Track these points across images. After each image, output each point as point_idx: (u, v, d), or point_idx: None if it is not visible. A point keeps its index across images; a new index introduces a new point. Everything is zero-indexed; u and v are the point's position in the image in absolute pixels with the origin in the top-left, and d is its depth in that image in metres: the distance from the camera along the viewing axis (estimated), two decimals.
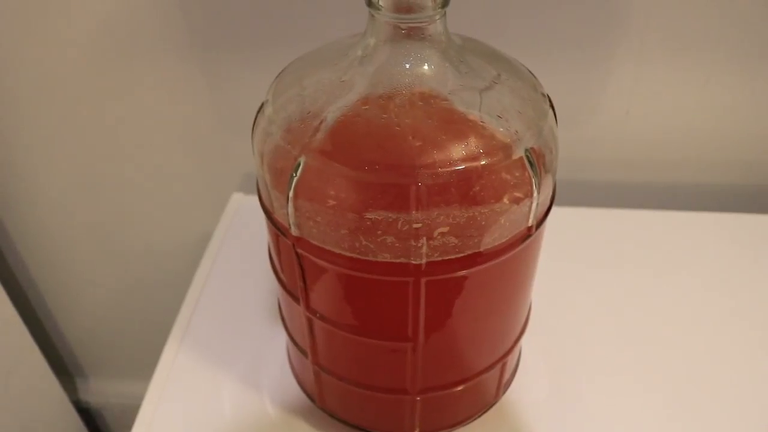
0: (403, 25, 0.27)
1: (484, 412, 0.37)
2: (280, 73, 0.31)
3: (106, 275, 0.69)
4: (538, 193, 0.28)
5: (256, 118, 0.31)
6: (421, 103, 0.27)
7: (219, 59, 0.51)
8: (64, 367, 0.80)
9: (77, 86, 0.54)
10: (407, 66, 0.27)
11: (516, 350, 0.36)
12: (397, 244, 0.27)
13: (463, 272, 0.28)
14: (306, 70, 0.30)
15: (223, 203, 0.54)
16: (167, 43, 0.50)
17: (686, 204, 0.56)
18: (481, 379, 0.34)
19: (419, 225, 0.26)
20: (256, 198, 0.51)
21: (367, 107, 0.27)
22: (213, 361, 0.41)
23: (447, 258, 0.27)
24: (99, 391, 0.82)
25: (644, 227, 0.51)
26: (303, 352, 0.35)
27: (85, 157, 0.59)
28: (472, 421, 0.36)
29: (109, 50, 0.51)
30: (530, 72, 0.30)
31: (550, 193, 0.30)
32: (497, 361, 0.34)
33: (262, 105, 0.30)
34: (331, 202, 0.26)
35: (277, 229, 0.30)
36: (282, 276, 0.33)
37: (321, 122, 0.27)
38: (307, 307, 0.31)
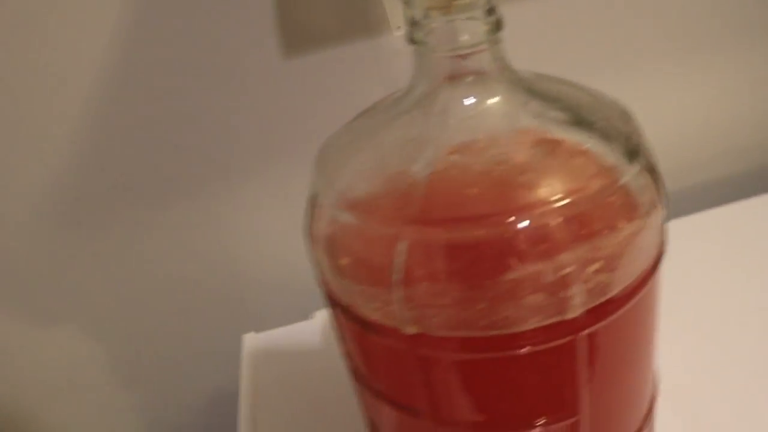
0: (457, 58, 0.23)
1: None
2: (319, 157, 0.27)
3: None
4: (663, 204, 0.24)
5: (311, 214, 0.26)
6: (512, 138, 0.23)
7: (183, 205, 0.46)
8: None
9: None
10: (476, 102, 0.24)
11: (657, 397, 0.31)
12: (547, 301, 0.22)
13: (620, 312, 0.23)
14: (355, 144, 0.26)
15: (234, 352, 0.48)
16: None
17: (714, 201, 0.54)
18: None
19: (570, 269, 0.21)
20: (272, 333, 0.45)
21: (455, 156, 0.23)
22: None
23: (603, 300, 0.23)
24: None
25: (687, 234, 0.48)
26: None
27: (67, 319, 0.51)
28: None
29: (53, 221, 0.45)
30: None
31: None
32: (649, 410, 0.29)
33: (314, 197, 0.26)
34: (458, 276, 0.22)
35: (374, 333, 0.24)
36: (385, 393, 0.27)
37: (407, 188, 0.23)
38: (436, 419, 0.25)
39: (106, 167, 0.44)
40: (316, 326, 0.47)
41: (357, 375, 0.29)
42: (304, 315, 0.48)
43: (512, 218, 0.21)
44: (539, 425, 0.25)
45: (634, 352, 0.26)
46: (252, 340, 0.47)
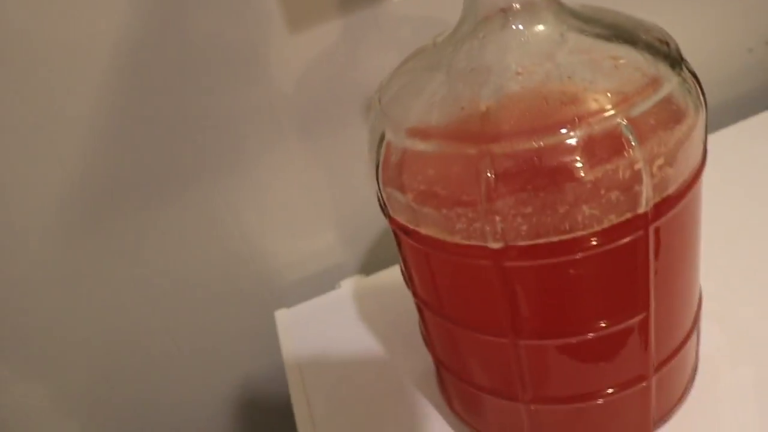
0: None
1: (696, 374, 0.34)
2: (378, 106, 0.28)
3: None
4: (706, 107, 0.27)
5: (379, 154, 0.27)
6: (571, 55, 0.25)
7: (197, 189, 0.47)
8: None
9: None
10: (530, 28, 0.25)
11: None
12: (622, 198, 0.24)
13: (681, 205, 0.26)
14: (415, 83, 0.27)
15: (267, 330, 0.49)
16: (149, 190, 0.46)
17: None
18: (695, 332, 0.31)
19: (640, 165, 0.23)
20: (303, 306, 0.46)
21: (521, 76, 0.25)
22: None
23: (666, 194, 0.25)
24: None
25: None
26: (508, 397, 0.30)
27: (95, 339, 0.51)
28: (691, 385, 0.33)
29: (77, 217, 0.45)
30: None
31: None
32: (699, 305, 0.32)
33: (383, 138, 0.27)
34: (542, 183, 0.23)
35: (458, 256, 0.26)
36: (468, 318, 0.29)
37: (484, 109, 0.24)
38: (518, 333, 0.27)
39: (119, 167, 0.44)
40: (345, 294, 0.48)
41: (431, 308, 0.30)
42: (331, 286, 0.50)
43: (585, 124, 0.23)
44: (616, 324, 0.27)
45: (689, 248, 0.28)
46: (284, 316, 0.48)
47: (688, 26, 0.53)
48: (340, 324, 0.46)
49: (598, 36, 0.26)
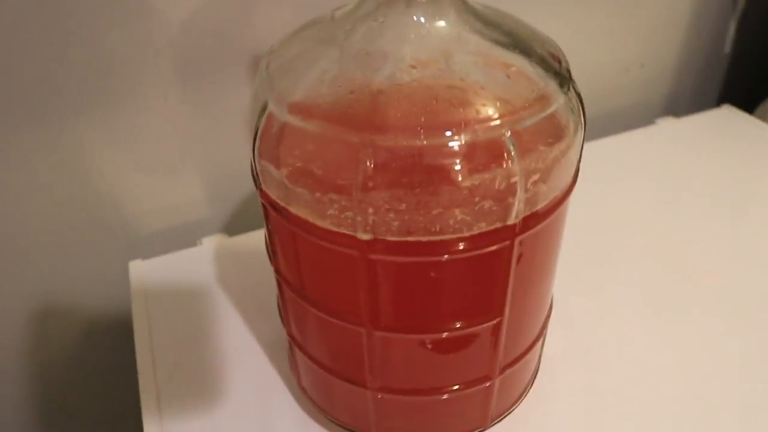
0: None
1: (536, 377, 0.35)
2: (265, 70, 0.26)
3: None
4: (584, 128, 0.27)
5: (258, 126, 0.26)
6: (469, 57, 0.25)
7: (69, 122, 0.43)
8: None
9: None
10: (431, 22, 0.25)
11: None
12: (495, 207, 0.24)
13: (547, 221, 0.26)
14: (308, 54, 0.26)
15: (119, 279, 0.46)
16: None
17: None
18: (540, 342, 0.33)
19: (516, 178, 0.24)
20: (160, 259, 0.44)
21: (416, 69, 0.24)
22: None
23: (535, 210, 0.25)
24: None
25: None
26: (357, 383, 0.30)
27: None
28: (530, 388, 0.35)
29: None
30: None
31: None
32: (547, 319, 0.33)
33: (264, 109, 0.26)
34: (418, 182, 0.23)
35: (327, 241, 0.25)
36: (327, 304, 0.28)
37: (372, 98, 0.23)
38: (375, 323, 0.27)
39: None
40: (205, 252, 0.46)
41: (291, 286, 0.29)
42: (192, 243, 0.48)
43: (470, 130, 0.23)
44: (471, 325, 0.28)
45: (549, 261, 0.29)
46: (139, 267, 0.45)
47: (572, 39, 0.55)
48: (197, 282, 0.44)
49: (496, 42, 0.26)
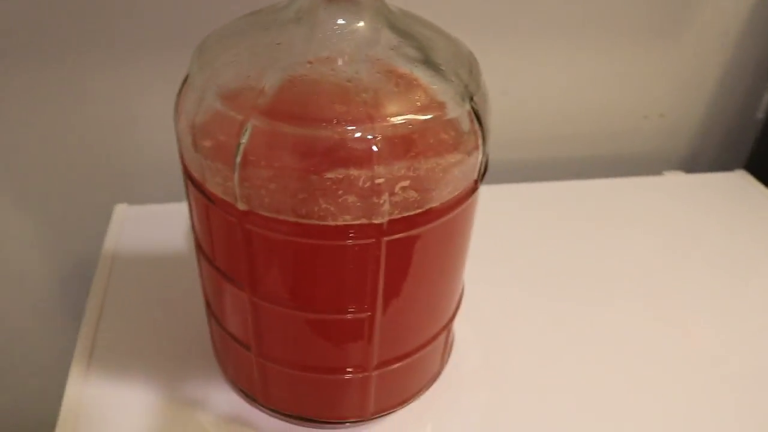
0: None
1: (432, 384, 0.37)
2: (200, 45, 0.29)
3: None
4: (484, 145, 0.29)
5: (181, 91, 0.29)
6: (365, 61, 0.27)
7: (74, 67, 0.47)
8: None
9: None
10: (343, 24, 0.27)
11: (457, 315, 0.36)
12: (359, 203, 0.26)
13: (421, 228, 0.28)
14: (233, 38, 0.29)
15: (105, 218, 0.50)
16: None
17: (563, 174, 0.59)
18: (432, 346, 0.34)
19: (381, 180, 0.25)
20: (144, 207, 0.47)
21: (311, 65, 0.26)
22: (129, 382, 0.37)
23: (407, 214, 0.27)
24: None
25: (526, 201, 0.54)
26: (244, 345, 0.32)
27: None
28: (423, 393, 0.36)
29: None
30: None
31: (488, 150, 0.31)
32: (445, 326, 0.34)
33: (187, 77, 0.28)
34: (287, 166, 0.25)
35: (215, 205, 0.28)
36: (217, 263, 0.31)
37: (265, 85, 0.26)
38: (253, 291, 0.29)
39: (7, 13, 0.44)
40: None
41: (199, 246, 0.32)
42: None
43: (342, 127, 0.25)
44: (340, 313, 0.29)
45: (436, 266, 0.30)
46: (122, 211, 0.49)
47: (593, 78, 0.55)
48: (173, 235, 0.47)
49: (401, 52, 0.27)
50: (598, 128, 0.58)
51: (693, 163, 0.62)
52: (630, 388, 0.39)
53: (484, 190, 0.52)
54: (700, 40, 0.55)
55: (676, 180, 0.57)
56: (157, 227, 0.48)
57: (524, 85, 0.55)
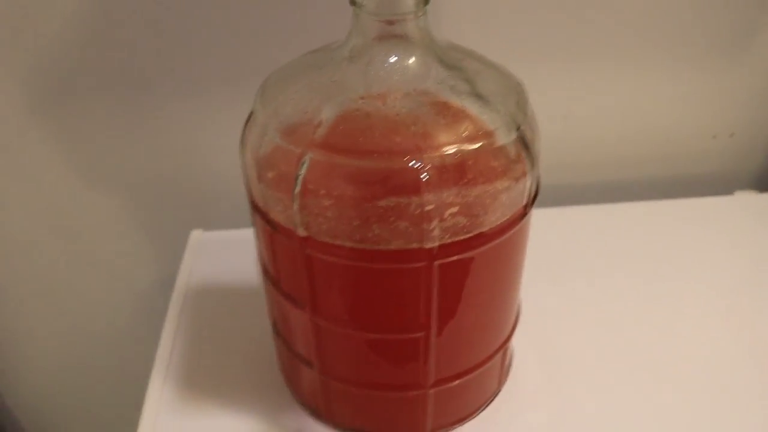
0: (386, 22, 0.28)
1: (490, 403, 0.37)
2: (263, 83, 0.31)
3: (52, 335, 0.65)
4: (532, 171, 0.30)
5: (245, 128, 0.31)
6: (415, 95, 0.28)
7: (155, 100, 0.51)
8: None
9: (12, 133, 0.52)
10: (394, 61, 0.29)
11: (513, 335, 0.36)
12: (410, 229, 0.27)
13: (471, 252, 0.29)
14: (292, 77, 0.31)
15: (180, 244, 0.53)
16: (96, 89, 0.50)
17: (629, 196, 0.59)
18: (488, 366, 0.35)
19: (431, 207, 0.27)
20: (218, 233, 0.50)
21: (364, 101, 0.28)
22: (202, 401, 0.40)
23: (457, 239, 0.28)
24: None
25: (596, 223, 0.54)
26: (307, 363, 0.34)
27: (22, 208, 0.56)
28: (481, 411, 0.37)
29: (42, 96, 0.50)
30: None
31: (538, 175, 0.32)
32: (501, 346, 0.35)
33: (251, 114, 0.31)
34: (342, 194, 0.27)
35: (278, 232, 0.30)
36: (281, 285, 0.33)
37: (321, 120, 0.28)
38: (315, 311, 0.31)
39: (88, 57, 0.48)
40: None
41: (265, 271, 0.34)
42: None
43: (393, 158, 0.26)
44: (396, 333, 0.31)
45: (489, 289, 0.31)
46: (198, 237, 0.52)
47: (663, 104, 0.55)
48: (248, 260, 0.50)
49: (451, 87, 0.29)
50: (665, 150, 0.58)
51: (765, 183, 0.60)
52: (700, 416, 0.38)
53: (550, 212, 0.54)
54: None
55: (747, 199, 0.56)
56: (230, 252, 0.51)
57: (588, 108, 0.55)
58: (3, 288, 0.61)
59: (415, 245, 0.28)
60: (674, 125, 0.57)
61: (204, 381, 0.41)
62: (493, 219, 0.29)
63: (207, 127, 0.53)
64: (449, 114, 0.28)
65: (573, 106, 0.54)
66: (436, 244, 0.28)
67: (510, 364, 0.39)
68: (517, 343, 0.40)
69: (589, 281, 0.48)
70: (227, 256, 0.51)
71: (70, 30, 0.47)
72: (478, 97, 0.29)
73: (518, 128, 0.29)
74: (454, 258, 0.28)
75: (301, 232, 0.28)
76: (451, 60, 0.30)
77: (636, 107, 0.55)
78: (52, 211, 0.56)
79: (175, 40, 0.48)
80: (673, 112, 0.56)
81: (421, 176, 0.26)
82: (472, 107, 0.28)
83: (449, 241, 0.28)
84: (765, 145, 0.58)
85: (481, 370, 0.34)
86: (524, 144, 0.29)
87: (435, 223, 0.27)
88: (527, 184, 0.30)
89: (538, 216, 0.53)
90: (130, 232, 0.58)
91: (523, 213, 0.30)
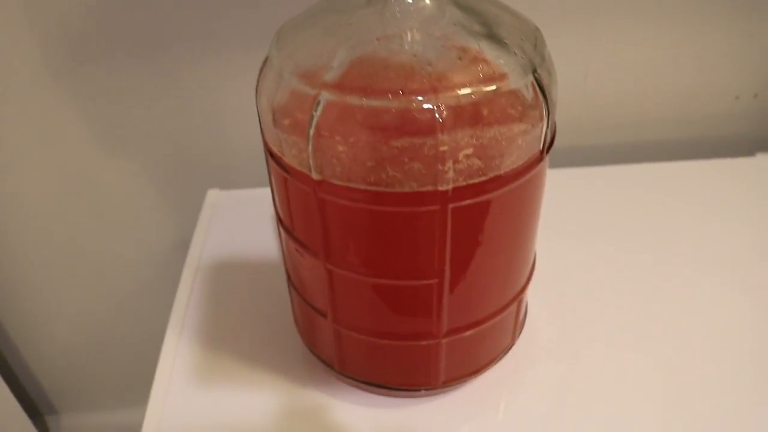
0: None
1: (503, 355, 0.37)
2: (279, 29, 0.31)
3: (74, 297, 0.66)
4: (548, 116, 0.29)
5: (260, 73, 0.31)
6: (430, 36, 0.28)
7: (172, 61, 0.51)
8: (33, 404, 0.76)
9: (33, 96, 0.52)
10: (410, 2, 0.28)
11: (528, 288, 0.36)
12: (424, 171, 0.27)
13: (486, 196, 0.29)
14: (308, 22, 0.31)
15: (198, 203, 0.53)
16: (116, 50, 0.50)
17: (648, 157, 0.58)
18: (502, 317, 0.35)
19: (445, 148, 0.26)
20: (235, 192, 0.51)
21: (379, 42, 0.28)
22: (218, 356, 0.40)
23: (472, 182, 0.28)
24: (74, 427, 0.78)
25: (615, 183, 0.53)
26: (321, 313, 0.34)
27: (42, 171, 0.57)
28: (494, 364, 0.37)
29: (61, 58, 0.50)
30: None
31: (554, 122, 0.31)
32: (515, 297, 0.35)
33: (267, 59, 0.31)
34: (356, 136, 0.27)
35: (292, 177, 0.30)
36: (295, 233, 0.33)
37: (336, 62, 0.27)
38: (328, 258, 0.31)
39: (106, 18, 0.49)
40: None
41: (279, 220, 0.34)
42: None
43: (407, 98, 0.26)
44: (409, 279, 0.31)
45: (504, 235, 0.31)
46: (215, 196, 0.53)
47: (684, 64, 0.54)
48: (263, 220, 0.50)
49: (465, 27, 0.28)
50: (687, 111, 0.57)
51: None
52: (716, 368, 0.38)
53: (570, 173, 0.53)
54: None
55: None
56: (247, 211, 0.51)
57: (608, 69, 0.54)
58: (23, 250, 0.62)
59: (429, 187, 0.27)
60: (696, 86, 0.56)
61: (219, 342, 0.41)
62: (509, 163, 0.28)
63: (224, 86, 0.53)
64: (465, 56, 0.28)
65: (593, 66, 0.54)
66: (450, 186, 0.27)
67: (525, 319, 0.39)
68: (531, 300, 0.40)
69: (606, 240, 0.48)
70: (244, 215, 0.51)
71: None
72: (495, 39, 0.29)
73: (534, 71, 0.28)
74: (469, 201, 0.28)
75: (315, 176, 0.28)
76: (468, 2, 0.29)
77: (657, 67, 0.54)
78: (69, 172, 0.57)
79: None
80: (694, 73, 0.55)
81: (436, 116, 0.26)
82: (487, 50, 0.28)
83: (463, 183, 0.28)
84: None
85: (494, 321, 0.34)
86: (540, 88, 0.29)
87: (449, 164, 0.27)
88: (543, 128, 0.29)
89: (556, 175, 0.53)
90: (148, 193, 0.58)
91: (539, 158, 0.30)
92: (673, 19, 0.52)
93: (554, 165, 0.52)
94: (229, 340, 0.41)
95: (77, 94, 0.52)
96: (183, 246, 0.52)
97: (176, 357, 0.40)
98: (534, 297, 0.41)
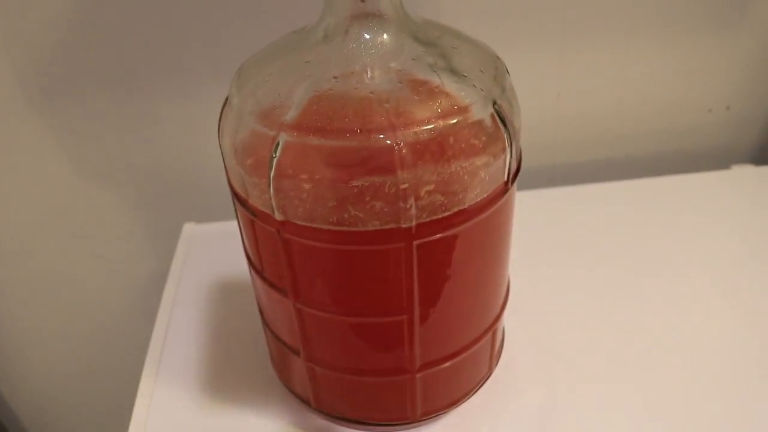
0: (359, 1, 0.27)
1: (481, 386, 0.37)
2: (239, 69, 0.31)
3: (51, 327, 0.66)
4: (511, 146, 0.29)
5: (222, 113, 0.31)
6: (389, 73, 0.28)
7: (147, 95, 0.51)
8: None
9: (8, 128, 0.52)
10: (367, 38, 0.28)
11: (502, 317, 0.36)
12: (386, 209, 0.27)
13: (451, 231, 0.28)
14: (267, 60, 0.30)
15: (175, 233, 0.53)
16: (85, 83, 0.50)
17: (623, 174, 0.58)
18: (477, 347, 0.34)
19: (406, 185, 0.26)
20: (211, 225, 0.50)
21: (336, 80, 0.28)
22: (195, 392, 0.40)
23: (435, 218, 0.28)
24: None
25: (591, 202, 0.53)
26: (294, 351, 0.34)
27: (19, 202, 0.56)
28: (471, 395, 0.36)
29: (36, 92, 0.50)
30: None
31: (519, 150, 0.31)
32: (489, 328, 0.34)
33: (227, 99, 0.30)
34: (316, 176, 0.26)
35: (257, 219, 0.29)
36: (264, 273, 0.32)
37: (294, 101, 0.27)
38: (297, 297, 0.31)
39: (81, 52, 0.48)
40: None
41: (249, 259, 0.34)
42: None
43: (365, 136, 0.26)
44: (378, 316, 0.30)
45: (466, 269, 0.31)
46: (191, 229, 0.52)
47: (656, 79, 0.54)
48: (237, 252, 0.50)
49: (426, 63, 0.28)
50: (661, 125, 0.57)
51: (762, 156, 0.59)
52: (694, 398, 0.38)
53: (542, 193, 0.53)
54: (764, 28, 0.53)
55: (744, 173, 0.55)
56: (223, 245, 0.51)
57: (581, 85, 0.54)
58: None
59: (392, 225, 0.27)
60: (669, 99, 0.56)
61: (196, 374, 0.41)
62: (472, 196, 0.28)
63: (196, 120, 0.52)
64: (424, 90, 0.28)
65: (565, 84, 0.54)
66: (414, 223, 0.27)
67: (501, 347, 0.39)
68: (509, 325, 0.40)
69: (583, 261, 0.47)
70: (220, 248, 0.51)
71: (63, 28, 0.47)
72: (454, 72, 0.28)
73: (495, 103, 0.28)
74: (433, 237, 0.28)
75: (278, 216, 0.28)
76: (427, 36, 0.29)
77: (630, 82, 0.54)
78: (44, 205, 0.56)
79: (165, 34, 0.48)
80: (667, 86, 0.55)
81: (395, 153, 0.26)
82: (448, 83, 0.28)
83: (427, 219, 0.27)
84: (761, 118, 0.57)
85: (469, 353, 0.34)
86: (501, 119, 0.28)
87: (411, 201, 0.27)
88: (507, 159, 0.29)
89: (531, 196, 0.53)
90: (124, 226, 0.58)
91: (504, 189, 0.30)
92: (644, 35, 0.52)
93: (528, 186, 0.53)
94: (207, 376, 0.40)
95: (51, 127, 0.52)
96: (159, 279, 0.51)
97: (154, 391, 0.40)
98: (511, 322, 0.40)
